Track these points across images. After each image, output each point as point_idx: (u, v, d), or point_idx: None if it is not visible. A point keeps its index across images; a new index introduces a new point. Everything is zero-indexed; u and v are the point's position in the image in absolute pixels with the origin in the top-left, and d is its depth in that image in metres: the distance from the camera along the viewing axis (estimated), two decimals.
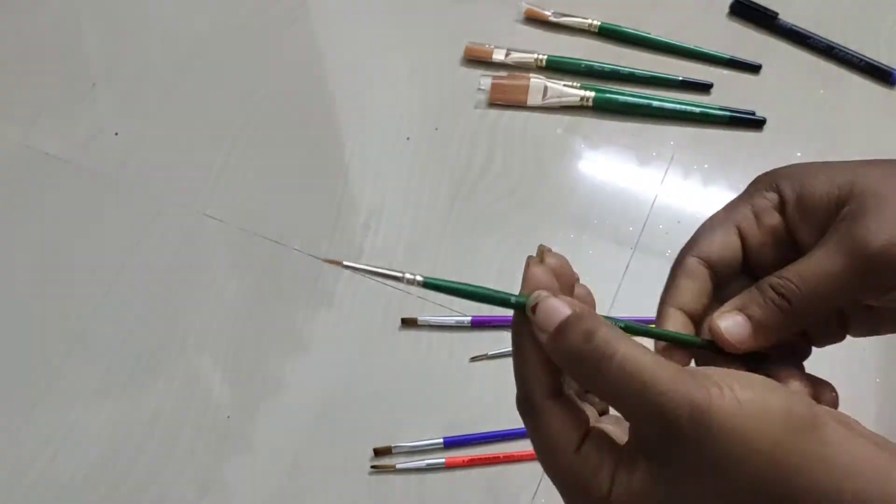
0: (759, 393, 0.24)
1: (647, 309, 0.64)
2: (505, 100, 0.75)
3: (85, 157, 0.75)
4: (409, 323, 0.65)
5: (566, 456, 0.26)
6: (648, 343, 0.30)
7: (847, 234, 0.28)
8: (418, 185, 0.71)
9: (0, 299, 0.68)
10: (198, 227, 0.71)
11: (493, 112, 0.75)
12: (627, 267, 0.66)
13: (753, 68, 0.76)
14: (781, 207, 0.31)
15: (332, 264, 0.28)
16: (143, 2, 0.85)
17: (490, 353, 0.63)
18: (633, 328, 0.29)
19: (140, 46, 0.82)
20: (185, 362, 0.65)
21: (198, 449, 0.61)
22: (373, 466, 0.60)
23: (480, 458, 0.59)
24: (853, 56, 0.75)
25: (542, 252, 0.30)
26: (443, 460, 0.59)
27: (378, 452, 0.60)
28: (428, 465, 0.59)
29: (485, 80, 0.75)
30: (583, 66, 0.76)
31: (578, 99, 0.73)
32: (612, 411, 0.30)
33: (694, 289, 0.32)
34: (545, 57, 0.76)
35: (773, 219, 0.31)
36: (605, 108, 0.74)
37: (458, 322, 0.64)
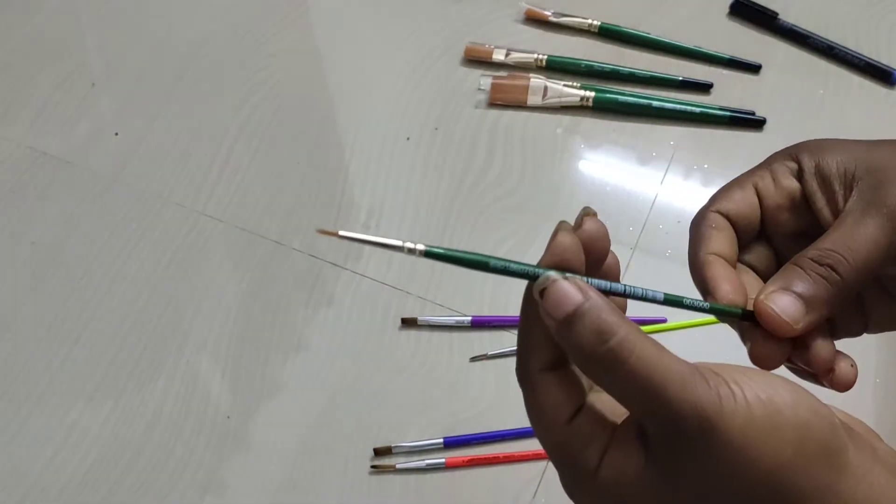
0: (774, 407, 0.23)
1: (647, 309, 0.64)
2: (505, 100, 0.75)
3: (85, 157, 0.75)
4: (409, 323, 0.65)
5: (557, 427, 0.26)
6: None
7: (875, 202, 0.28)
8: (418, 185, 0.71)
9: (0, 299, 0.69)
10: (197, 227, 0.71)
11: (493, 112, 0.75)
12: (627, 267, 0.66)
13: (753, 68, 0.76)
14: (799, 175, 0.31)
15: (327, 235, 0.26)
16: (143, 2, 0.85)
17: (490, 352, 0.63)
18: (670, 299, 0.27)
19: (140, 46, 0.82)
20: (185, 362, 0.65)
21: (198, 449, 0.61)
22: (373, 466, 0.60)
23: (480, 458, 0.59)
24: (853, 56, 0.75)
25: (584, 217, 0.27)
26: (443, 460, 0.59)
27: (378, 452, 0.60)
28: (428, 465, 0.59)
29: (485, 80, 0.75)
30: (583, 66, 0.76)
31: (578, 99, 0.73)
32: None
33: (725, 238, 0.31)
34: (545, 57, 0.76)
35: (791, 183, 0.31)
36: (605, 108, 0.74)
37: (458, 322, 0.64)
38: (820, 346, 0.29)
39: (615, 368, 0.24)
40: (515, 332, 0.65)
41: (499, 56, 0.76)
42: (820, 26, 0.77)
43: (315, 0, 0.84)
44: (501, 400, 0.61)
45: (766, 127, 0.73)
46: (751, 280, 0.32)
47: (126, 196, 0.73)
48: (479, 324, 0.64)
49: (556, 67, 0.76)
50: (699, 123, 0.73)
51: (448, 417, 0.61)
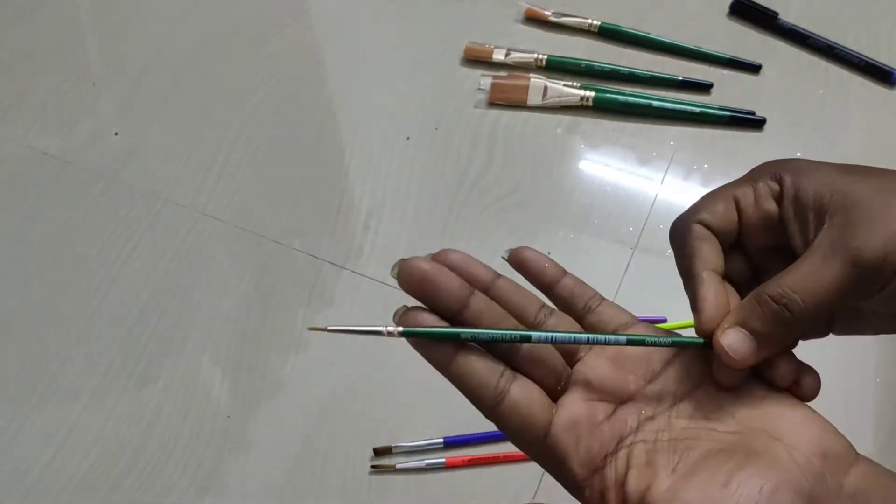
0: None
1: (647, 308, 0.64)
2: (505, 100, 0.75)
3: (85, 157, 0.75)
4: None
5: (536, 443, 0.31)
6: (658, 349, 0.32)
7: (841, 243, 0.29)
8: (418, 185, 0.71)
9: (0, 299, 0.69)
10: (197, 227, 0.71)
11: (493, 112, 0.75)
12: (627, 267, 0.66)
13: (753, 68, 0.76)
14: (779, 198, 0.32)
15: (317, 331, 0.30)
16: (143, 2, 0.85)
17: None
18: (634, 340, 0.31)
19: (140, 46, 0.82)
20: (185, 362, 0.65)
21: (198, 449, 0.61)
22: (373, 466, 0.60)
23: (480, 458, 0.59)
24: (853, 56, 0.75)
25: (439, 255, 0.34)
26: (443, 460, 0.59)
27: (378, 452, 0.60)
28: (428, 465, 0.59)
29: (485, 80, 0.75)
30: (583, 66, 0.76)
31: (578, 99, 0.73)
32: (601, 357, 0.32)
33: (715, 252, 0.32)
34: (545, 57, 0.76)
35: (771, 206, 0.32)
36: (605, 108, 0.74)
37: None
38: (781, 366, 0.30)
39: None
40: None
41: (499, 56, 0.76)
42: (820, 26, 0.77)
43: (315, 0, 0.84)
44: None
45: (766, 127, 0.73)
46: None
47: (126, 196, 0.73)
48: None
49: (556, 67, 0.76)
50: (699, 123, 0.73)
51: (448, 417, 0.61)
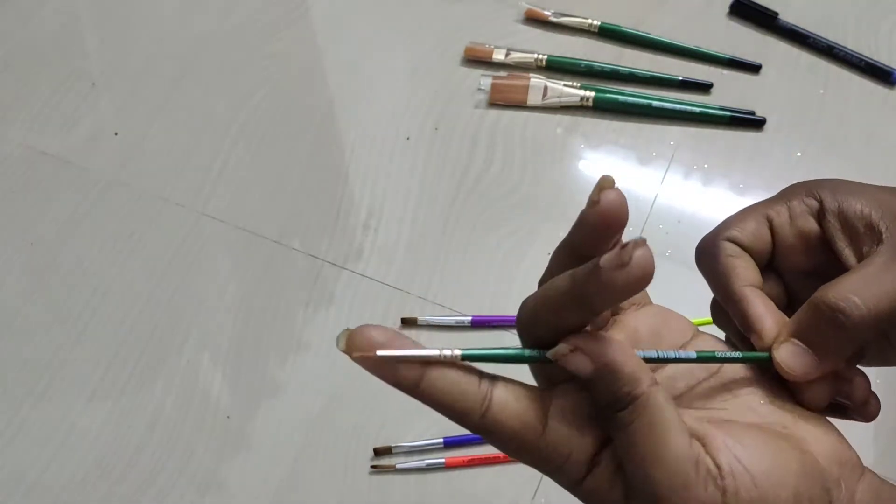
0: (765, 489, 0.25)
1: None
2: (505, 100, 0.75)
3: (85, 157, 0.75)
4: (409, 323, 0.65)
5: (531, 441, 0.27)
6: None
7: None
8: (418, 185, 0.71)
9: (0, 299, 0.69)
10: (197, 227, 0.71)
11: (493, 112, 0.75)
12: None
13: (753, 68, 0.76)
14: (820, 215, 0.30)
15: (362, 359, 0.27)
16: (143, 2, 0.85)
17: None
18: (704, 357, 0.28)
19: (140, 46, 0.82)
20: (185, 362, 0.65)
21: (198, 449, 0.61)
22: (373, 466, 0.60)
23: (480, 458, 0.59)
24: (853, 56, 0.75)
25: (601, 190, 0.25)
26: (443, 460, 0.59)
27: (378, 452, 0.60)
28: (428, 465, 0.59)
29: (485, 80, 0.75)
30: (583, 66, 0.76)
31: (578, 99, 0.73)
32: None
33: (751, 267, 0.30)
34: (545, 57, 0.76)
35: (809, 224, 0.30)
36: (605, 108, 0.74)
37: (458, 322, 0.64)
38: (859, 383, 0.29)
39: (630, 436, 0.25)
40: (515, 332, 0.65)
41: (499, 56, 0.76)
42: (820, 26, 0.77)
43: (315, 0, 0.84)
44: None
45: (766, 127, 0.73)
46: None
47: (126, 196, 0.73)
48: (479, 324, 0.64)
49: (556, 67, 0.76)
50: (699, 123, 0.73)
51: None
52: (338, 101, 0.78)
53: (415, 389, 0.28)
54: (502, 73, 0.76)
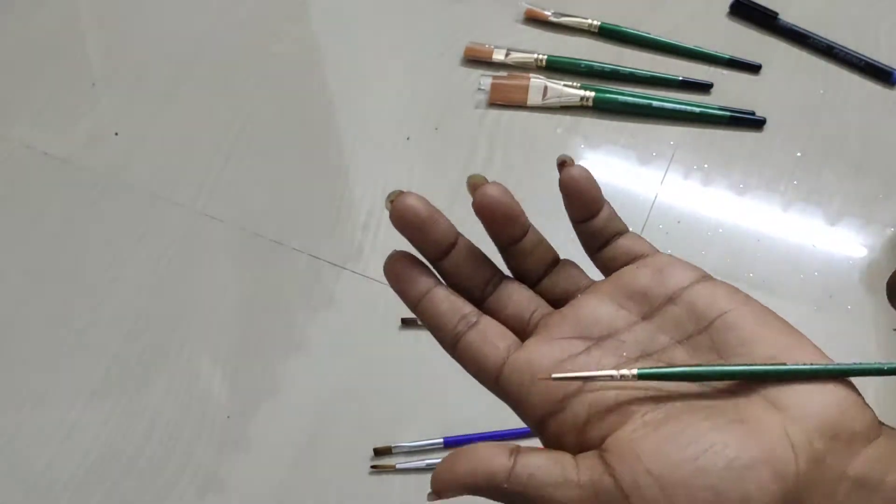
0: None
1: None
2: (505, 100, 0.75)
3: (85, 157, 0.75)
4: (409, 323, 0.65)
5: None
6: None
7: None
8: (418, 185, 0.71)
9: (0, 299, 0.69)
10: (198, 227, 0.71)
11: (493, 112, 0.75)
12: None
13: (753, 68, 0.76)
14: None
15: (543, 380, 0.28)
16: (143, 2, 0.85)
17: None
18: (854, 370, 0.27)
19: (140, 46, 0.82)
20: (185, 362, 0.65)
21: (198, 449, 0.61)
22: (373, 466, 0.60)
23: None
24: (853, 56, 0.75)
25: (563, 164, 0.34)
26: None
27: (378, 452, 0.60)
28: (428, 465, 0.59)
29: (485, 80, 0.75)
30: (583, 66, 0.76)
31: (578, 99, 0.73)
32: None
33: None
34: (545, 57, 0.76)
35: None
36: (605, 108, 0.74)
37: None
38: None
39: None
40: None
41: (499, 56, 0.76)
42: (820, 26, 0.77)
43: (315, 0, 0.84)
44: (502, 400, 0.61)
45: (766, 127, 0.73)
46: None
47: (126, 196, 0.73)
48: None
49: (556, 67, 0.76)
50: (699, 123, 0.73)
51: (448, 417, 0.61)
52: (338, 101, 0.78)
53: (415, 307, 0.32)
54: (502, 73, 0.76)
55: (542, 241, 0.34)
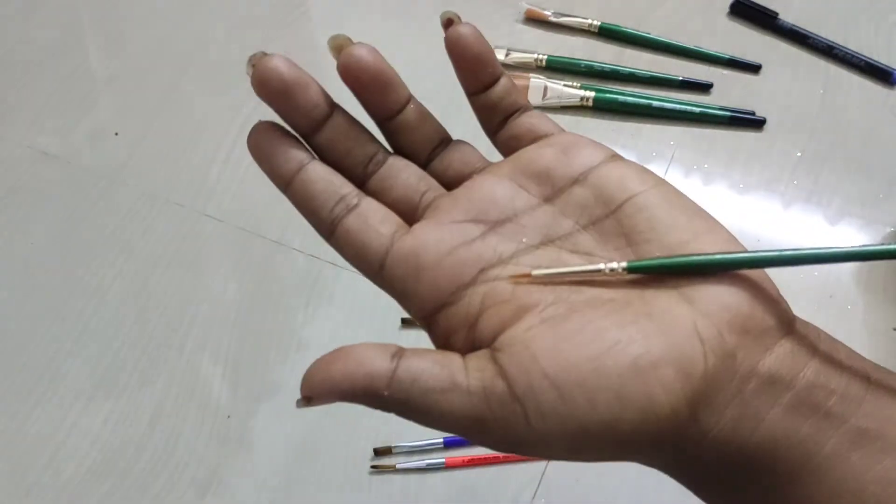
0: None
1: None
2: None
3: (85, 157, 0.75)
4: (409, 323, 0.65)
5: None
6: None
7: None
8: None
9: (0, 299, 0.69)
10: (197, 227, 0.71)
11: None
12: None
13: (753, 68, 0.76)
14: None
15: (519, 279, 0.24)
16: (143, 2, 0.85)
17: None
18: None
19: (140, 46, 0.82)
20: (185, 362, 0.65)
21: (198, 449, 0.61)
22: (373, 466, 0.60)
23: (480, 458, 0.59)
24: (853, 56, 0.75)
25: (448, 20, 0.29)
26: (443, 460, 0.59)
27: (378, 452, 0.60)
28: (428, 465, 0.59)
29: None
30: (583, 66, 0.76)
31: (578, 99, 0.73)
32: None
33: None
34: (545, 57, 0.76)
35: None
36: (605, 108, 0.74)
37: None
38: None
39: None
40: None
41: (499, 56, 0.76)
42: (820, 26, 0.77)
43: (315, 0, 0.84)
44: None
45: (766, 127, 0.73)
46: None
47: (126, 196, 0.73)
48: None
49: (556, 67, 0.76)
50: (699, 123, 0.73)
51: None
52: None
53: (286, 188, 0.29)
54: None
55: (428, 116, 0.30)
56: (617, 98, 0.74)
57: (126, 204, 0.72)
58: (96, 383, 0.64)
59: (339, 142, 0.28)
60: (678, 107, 0.73)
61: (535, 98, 0.74)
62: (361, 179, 0.28)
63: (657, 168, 0.71)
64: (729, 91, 0.75)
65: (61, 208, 0.72)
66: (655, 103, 0.73)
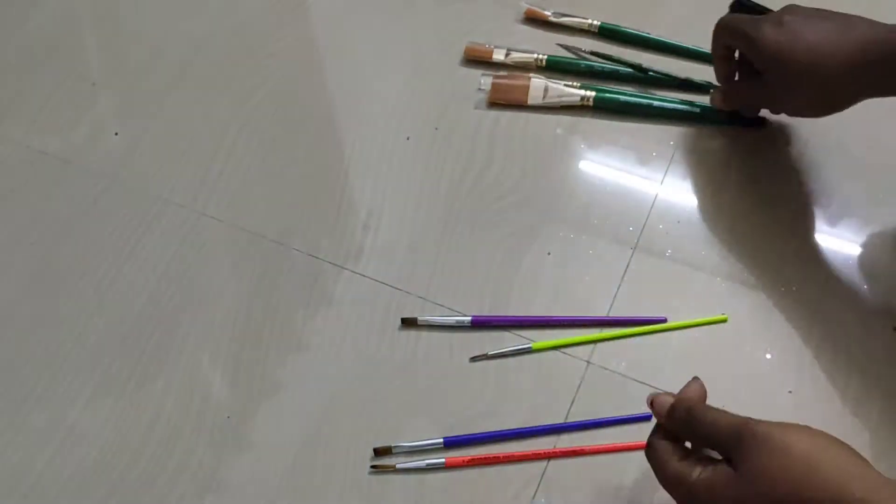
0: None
1: (646, 308, 0.64)
2: (505, 100, 0.75)
3: (85, 157, 0.75)
4: (409, 323, 0.65)
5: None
6: None
7: None
8: (418, 185, 0.71)
9: (0, 299, 0.69)
10: (197, 227, 0.71)
11: (493, 112, 0.75)
12: (627, 267, 0.66)
13: None
14: None
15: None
16: (142, 2, 0.85)
17: (490, 352, 0.63)
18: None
19: (140, 46, 0.82)
20: (185, 362, 0.65)
21: (198, 449, 0.61)
22: (373, 466, 0.60)
23: (480, 458, 0.59)
24: None
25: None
26: (443, 460, 0.59)
27: (378, 452, 0.60)
28: (428, 465, 0.59)
29: (485, 80, 0.75)
30: (583, 66, 0.76)
31: (578, 99, 0.73)
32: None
33: None
34: (545, 57, 0.76)
35: None
36: (605, 108, 0.74)
37: (458, 322, 0.64)
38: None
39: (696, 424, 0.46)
40: (516, 332, 0.65)
41: (499, 56, 0.76)
42: None
43: (315, 0, 0.84)
44: (501, 400, 0.61)
45: (765, 127, 0.73)
46: None
47: (126, 196, 0.73)
48: (480, 324, 0.64)
49: (556, 67, 0.76)
50: (699, 123, 0.73)
51: (448, 417, 0.61)
52: (338, 101, 0.78)
53: None
54: (502, 73, 0.76)
55: None
56: (617, 98, 0.74)
57: (126, 204, 0.72)
58: (96, 383, 0.64)
59: None
60: (678, 107, 0.73)
61: (535, 98, 0.74)
62: None
63: (657, 168, 0.71)
64: None
65: (61, 208, 0.72)
66: (655, 103, 0.73)
